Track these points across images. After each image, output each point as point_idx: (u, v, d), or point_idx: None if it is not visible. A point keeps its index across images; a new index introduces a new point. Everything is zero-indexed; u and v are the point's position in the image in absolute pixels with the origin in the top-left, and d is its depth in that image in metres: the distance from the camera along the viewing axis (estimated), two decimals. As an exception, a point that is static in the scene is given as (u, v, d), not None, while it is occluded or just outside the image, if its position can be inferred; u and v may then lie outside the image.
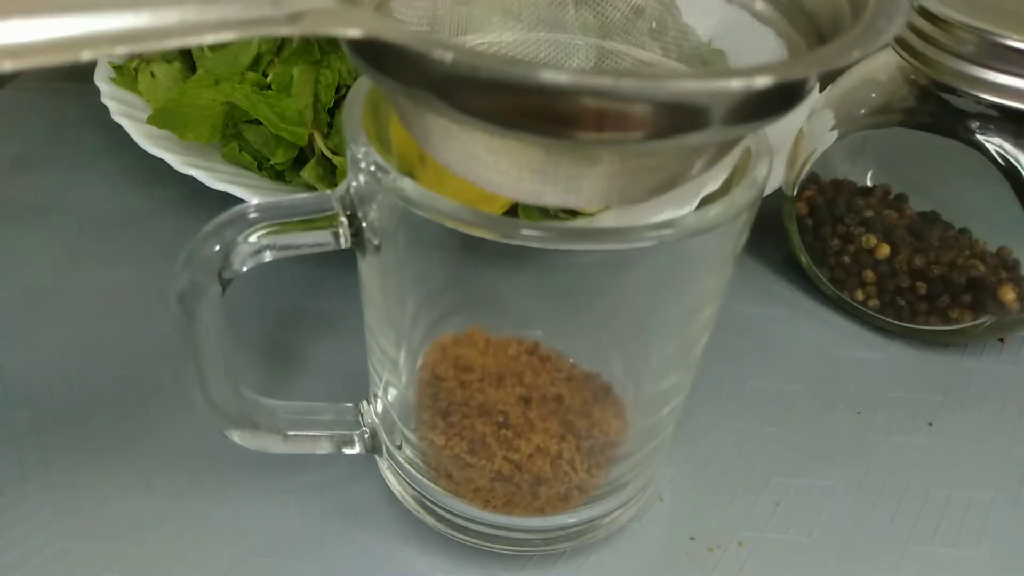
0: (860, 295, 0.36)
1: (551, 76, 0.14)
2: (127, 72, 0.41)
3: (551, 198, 0.18)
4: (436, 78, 0.16)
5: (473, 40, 0.22)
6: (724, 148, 0.19)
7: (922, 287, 0.34)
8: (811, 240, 0.37)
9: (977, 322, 0.33)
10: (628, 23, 0.22)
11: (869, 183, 0.35)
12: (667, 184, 0.19)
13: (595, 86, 0.15)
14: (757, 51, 0.21)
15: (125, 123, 0.37)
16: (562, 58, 0.23)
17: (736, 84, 0.15)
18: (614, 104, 0.15)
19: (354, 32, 0.15)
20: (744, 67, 0.20)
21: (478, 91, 0.15)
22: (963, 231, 0.34)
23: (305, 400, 0.26)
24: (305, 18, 0.15)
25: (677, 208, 0.23)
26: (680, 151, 0.18)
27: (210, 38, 0.14)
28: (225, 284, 0.21)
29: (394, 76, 0.16)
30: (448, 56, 0.15)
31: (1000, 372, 0.35)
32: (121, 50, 0.14)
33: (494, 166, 0.18)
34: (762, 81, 0.15)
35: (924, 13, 0.31)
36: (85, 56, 0.14)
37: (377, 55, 0.16)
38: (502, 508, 0.25)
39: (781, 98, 0.17)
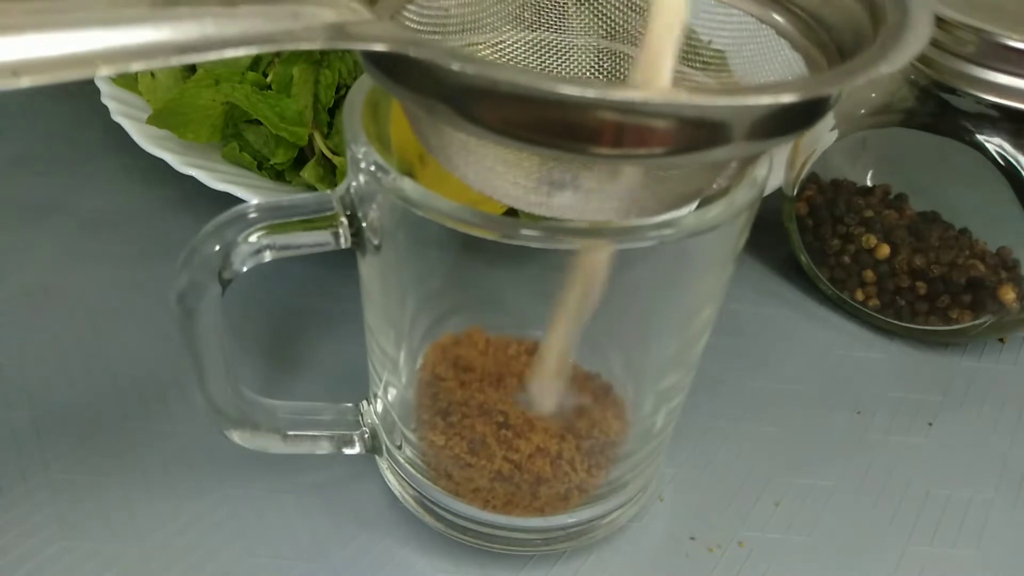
0: (860, 295, 0.36)
1: (577, 90, 0.14)
2: (127, 72, 0.41)
3: (570, 212, 0.18)
4: (457, 91, 0.15)
5: (475, 40, 0.22)
6: (746, 162, 0.19)
7: (922, 287, 0.34)
8: (811, 240, 0.37)
9: (977, 322, 0.33)
10: (628, 23, 0.22)
11: (869, 183, 0.35)
12: (687, 198, 0.18)
13: (622, 101, 0.15)
14: (771, 61, 0.20)
15: (125, 123, 0.37)
16: (564, 60, 0.23)
17: (765, 100, 0.15)
18: (640, 119, 0.15)
19: (379, 46, 0.15)
20: (772, 83, 0.20)
21: (499, 105, 0.15)
22: (963, 231, 0.34)
23: (305, 400, 0.26)
24: (327, 32, 0.15)
25: (677, 208, 0.23)
26: (703, 166, 0.18)
27: (231, 53, 0.14)
28: (225, 284, 0.21)
29: (413, 88, 0.16)
30: (470, 69, 0.14)
31: (1000, 372, 0.35)
32: (138, 65, 0.13)
33: (511, 179, 0.18)
34: (790, 97, 0.15)
35: (924, 13, 0.31)
36: (103, 72, 0.13)
37: (396, 67, 0.16)
38: (502, 508, 0.25)
39: (808, 112, 0.16)
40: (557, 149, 0.15)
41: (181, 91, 0.36)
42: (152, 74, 0.39)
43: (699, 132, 0.15)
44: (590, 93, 0.14)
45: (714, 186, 0.19)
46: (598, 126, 0.15)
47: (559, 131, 0.15)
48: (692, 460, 0.30)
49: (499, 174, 0.18)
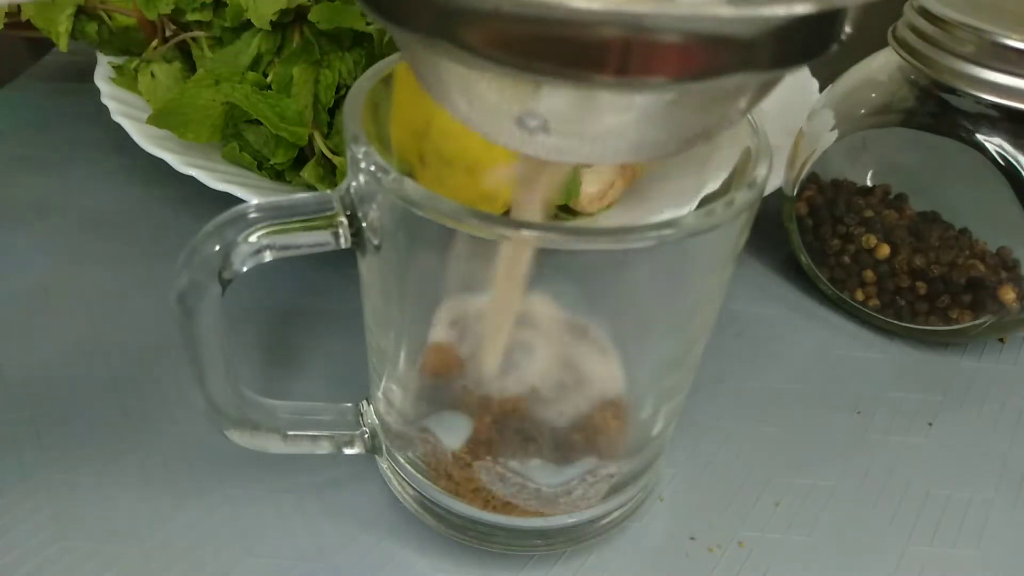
0: (860, 295, 0.36)
1: (584, 4, 0.13)
2: (127, 72, 0.41)
3: (578, 153, 0.17)
4: (457, 17, 0.15)
5: None
6: (758, 95, 0.18)
7: (922, 287, 0.34)
8: (811, 240, 0.37)
9: (977, 322, 0.33)
10: None
11: (869, 183, 0.35)
12: (700, 136, 0.18)
13: (630, 15, 0.14)
14: None
15: (125, 123, 0.37)
16: None
17: (779, 10, 0.14)
18: (648, 36, 0.14)
19: None
20: None
21: (501, 29, 0.14)
22: (963, 231, 0.34)
23: (305, 400, 0.26)
24: None
25: (677, 208, 0.23)
26: (713, 97, 0.17)
27: None
28: (225, 284, 0.21)
29: (411, 22, 0.15)
30: None
31: (1000, 372, 0.35)
32: None
33: (514, 117, 0.17)
34: (804, 7, 0.14)
35: (924, 13, 0.31)
36: None
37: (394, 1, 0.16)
38: (502, 508, 0.25)
39: (823, 30, 0.16)
40: (562, 76, 0.15)
41: (181, 91, 0.36)
42: (152, 74, 0.40)
43: (708, 52, 0.15)
44: (595, 5, 0.13)
45: (726, 122, 0.18)
46: (603, 46, 0.14)
47: (565, 53, 0.14)
48: (692, 460, 0.30)
49: (501, 112, 0.17)
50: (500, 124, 0.17)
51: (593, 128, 0.17)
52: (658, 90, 0.16)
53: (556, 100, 0.16)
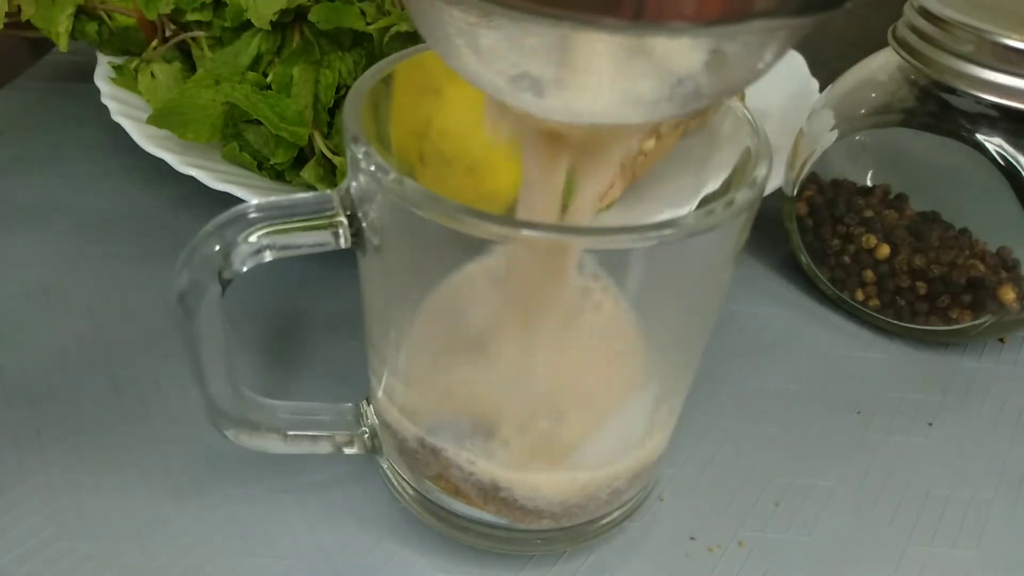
0: (860, 295, 0.36)
1: None
2: (127, 72, 0.41)
3: (587, 111, 0.16)
4: None
5: None
6: (777, 52, 0.16)
7: (922, 287, 0.34)
8: (811, 240, 0.37)
9: (977, 322, 0.33)
10: None
11: (869, 183, 0.35)
12: (725, 91, 0.17)
13: None
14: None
15: (125, 123, 0.37)
16: None
17: None
18: None
19: None
20: None
21: None
22: (963, 231, 0.34)
23: (305, 400, 0.26)
24: None
25: (677, 208, 0.23)
26: (742, 46, 0.15)
27: None
28: (225, 284, 0.21)
29: None
30: None
31: (1000, 372, 0.35)
32: None
33: (523, 69, 0.15)
34: None
35: (924, 13, 0.31)
36: None
37: None
38: (502, 508, 0.25)
39: None
40: (572, 20, 0.13)
41: (181, 91, 0.36)
42: (152, 74, 0.40)
43: None
44: None
45: (741, 85, 0.17)
46: None
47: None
48: (692, 460, 0.30)
49: (507, 64, 0.16)
50: (506, 78, 0.16)
51: (606, 82, 0.15)
52: (678, 35, 0.14)
53: (576, 52, 0.15)
